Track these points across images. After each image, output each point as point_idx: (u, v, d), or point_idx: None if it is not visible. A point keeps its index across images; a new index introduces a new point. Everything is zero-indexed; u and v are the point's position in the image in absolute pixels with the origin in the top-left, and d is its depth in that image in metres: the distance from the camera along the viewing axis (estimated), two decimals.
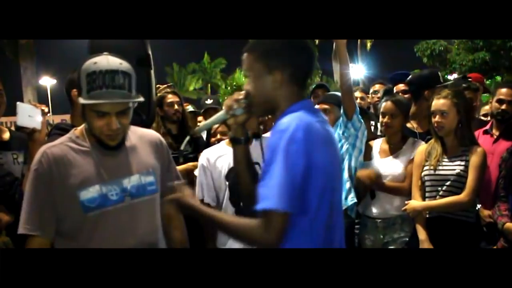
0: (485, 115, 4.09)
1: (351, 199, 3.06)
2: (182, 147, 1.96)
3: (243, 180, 1.84)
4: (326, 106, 3.27)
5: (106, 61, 1.73)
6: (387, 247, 3.01)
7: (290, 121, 1.56)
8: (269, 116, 2.77)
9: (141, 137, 1.95)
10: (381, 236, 3.05)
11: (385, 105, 3.16)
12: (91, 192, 1.77)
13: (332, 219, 1.64)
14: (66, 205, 1.76)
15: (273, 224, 1.50)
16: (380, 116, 3.17)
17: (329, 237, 1.63)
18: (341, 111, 3.09)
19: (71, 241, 1.78)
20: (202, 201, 2.69)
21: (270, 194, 1.50)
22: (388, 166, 3.10)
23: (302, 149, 1.52)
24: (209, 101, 4.91)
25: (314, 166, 1.54)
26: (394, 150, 3.16)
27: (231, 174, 2.68)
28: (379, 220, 3.08)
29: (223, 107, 1.76)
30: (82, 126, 1.87)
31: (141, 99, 1.81)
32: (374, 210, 3.10)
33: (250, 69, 1.68)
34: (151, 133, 2.03)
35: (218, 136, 3.40)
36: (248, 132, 1.83)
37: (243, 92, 1.72)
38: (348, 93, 3.05)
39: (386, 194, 3.09)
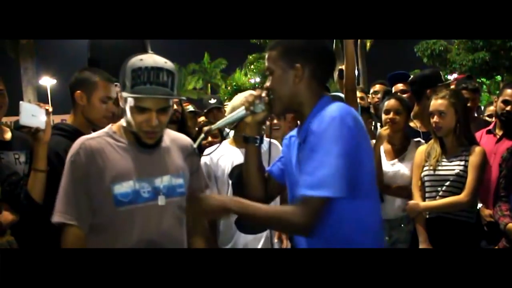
0: (490, 115, 4.09)
1: None
2: (195, 145, 1.94)
3: (252, 181, 1.84)
4: None
5: (152, 59, 1.77)
6: (393, 248, 3.01)
7: (336, 109, 1.56)
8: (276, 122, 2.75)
9: (174, 140, 1.98)
10: (387, 237, 3.05)
11: (388, 102, 3.15)
12: (124, 187, 1.79)
13: (379, 206, 1.73)
14: (99, 197, 1.79)
15: (320, 210, 1.52)
16: (383, 114, 3.15)
17: (377, 224, 1.69)
18: None
19: (100, 235, 1.79)
20: None
21: (326, 182, 1.49)
22: (396, 171, 3.09)
23: (354, 134, 1.53)
24: (212, 101, 4.92)
25: (364, 152, 1.58)
26: (398, 151, 3.15)
27: (234, 172, 2.69)
28: (385, 222, 3.08)
29: (243, 104, 1.74)
30: (119, 122, 1.91)
31: (183, 97, 1.86)
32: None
33: (272, 65, 1.69)
34: (184, 138, 2.06)
35: (210, 139, 3.39)
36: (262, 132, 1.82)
37: (263, 89, 1.72)
38: (352, 92, 3.04)
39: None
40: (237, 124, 1.86)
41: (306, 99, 1.68)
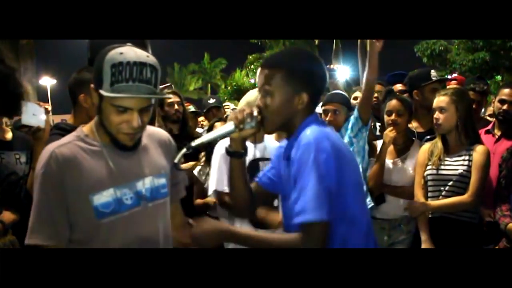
0: (491, 115, 4.08)
1: (368, 202, 3.04)
2: (176, 160, 1.73)
3: (238, 193, 1.83)
4: (334, 107, 3.19)
5: (134, 52, 1.57)
6: (392, 248, 3.01)
7: (311, 133, 1.59)
8: None
9: (150, 135, 1.80)
10: (386, 238, 3.05)
11: (390, 103, 3.15)
12: (105, 196, 1.62)
13: (369, 225, 1.74)
14: (78, 211, 1.60)
15: (316, 235, 1.54)
16: (386, 115, 3.15)
17: (368, 244, 1.70)
18: (355, 115, 3.02)
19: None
20: (220, 192, 2.71)
21: (307, 207, 1.53)
22: (399, 171, 3.09)
23: (331, 157, 1.56)
24: (211, 101, 4.94)
25: (346, 173, 1.59)
26: (400, 151, 3.15)
27: (250, 166, 2.67)
28: (384, 222, 3.08)
29: (233, 120, 1.69)
30: (91, 123, 1.71)
31: (168, 95, 1.73)
32: (379, 212, 3.09)
33: (274, 86, 1.64)
34: (160, 132, 1.90)
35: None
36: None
37: (254, 106, 1.69)
38: (368, 99, 3.01)
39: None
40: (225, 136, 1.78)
41: (301, 119, 1.69)
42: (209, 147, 3.67)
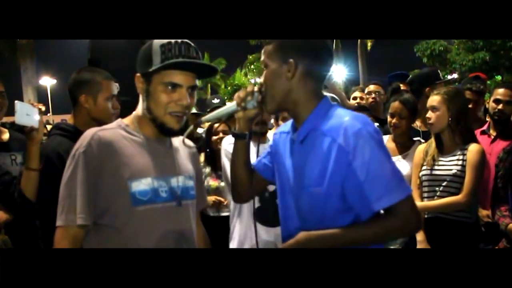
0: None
1: None
2: (184, 135, 1.81)
3: (239, 177, 1.84)
4: None
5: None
6: (389, 247, 3.00)
7: (353, 119, 1.56)
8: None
9: (180, 141, 1.87)
10: None
11: (393, 105, 3.17)
12: (143, 184, 1.64)
13: None
14: (114, 194, 1.61)
15: (406, 212, 1.53)
16: (388, 116, 3.18)
17: None
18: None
19: (112, 235, 1.63)
20: None
21: (386, 190, 1.51)
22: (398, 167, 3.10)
23: (381, 139, 1.58)
24: (215, 101, 4.95)
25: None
26: (401, 149, 3.16)
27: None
28: None
29: (235, 99, 1.71)
30: (132, 116, 1.76)
31: (215, 67, 1.76)
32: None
33: (267, 59, 1.66)
34: (189, 142, 1.95)
35: (221, 135, 3.40)
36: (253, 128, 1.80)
37: (257, 85, 1.70)
38: None
39: None
40: (229, 118, 1.85)
41: (302, 97, 1.64)
42: (208, 148, 3.68)
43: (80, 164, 1.60)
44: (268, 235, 2.77)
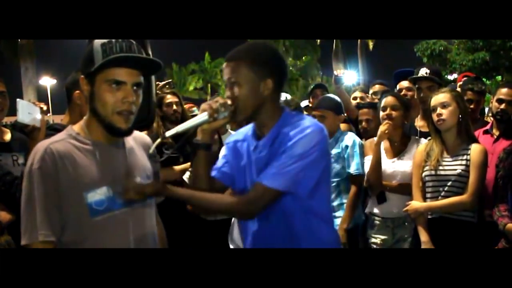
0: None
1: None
2: (151, 150, 1.79)
3: (202, 184, 1.81)
4: (320, 112, 3.30)
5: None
6: (397, 246, 3.01)
7: (310, 123, 1.73)
8: None
9: (135, 138, 1.82)
10: (391, 235, 3.05)
11: (385, 100, 3.16)
12: (98, 194, 1.62)
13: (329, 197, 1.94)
14: (72, 208, 1.59)
15: (263, 199, 1.69)
16: (381, 111, 3.16)
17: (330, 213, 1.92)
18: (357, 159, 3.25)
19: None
20: None
21: (276, 176, 1.67)
22: (398, 169, 3.10)
23: (322, 147, 1.72)
24: None
25: (327, 163, 1.77)
26: (397, 149, 3.15)
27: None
28: (389, 220, 3.08)
29: (206, 110, 1.72)
30: (81, 122, 1.72)
31: (155, 59, 1.72)
32: (384, 210, 3.10)
33: (240, 76, 1.73)
34: (143, 136, 1.92)
35: None
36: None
37: (226, 97, 1.74)
38: None
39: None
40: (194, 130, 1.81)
41: (270, 109, 1.78)
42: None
43: (37, 181, 1.57)
44: None
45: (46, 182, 1.57)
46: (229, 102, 1.73)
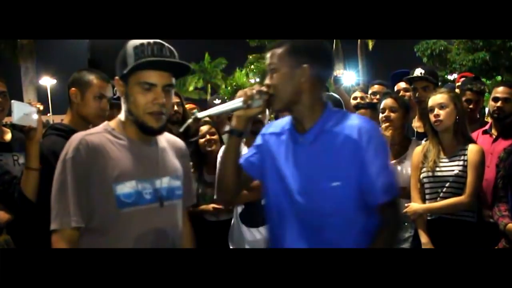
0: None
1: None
2: (181, 129, 1.82)
3: (229, 174, 1.84)
4: None
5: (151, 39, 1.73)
6: (398, 246, 3.01)
7: (365, 120, 1.76)
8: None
9: (168, 141, 1.89)
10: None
11: (384, 102, 3.16)
12: (127, 187, 1.68)
13: None
14: (100, 198, 1.66)
15: (399, 208, 1.82)
16: (380, 114, 3.16)
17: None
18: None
19: (100, 238, 1.68)
20: None
21: (391, 186, 1.72)
22: (399, 172, 3.08)
23: (386, 140, 1.84)
24: (217, 101, 4.95)
25: None
26: (398, 152, 3.14)
27: None
28: None
29: (242, 96, 1.72)
30: (117, 118, 1.80)
31: (188, 64, 1.79)
32: None
33: (277, 63, 1.70)
34: (177, 139, 1.97)
35: (208, 137, 3.38)
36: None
37: (265, 85, 1.72)
38: None
39: None
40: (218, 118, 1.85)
41: (310, 101, 1.74)
42: (195, 151, 3.60)
43: (70, 170, 1.65)
44: (251, 235, 2.94)
45: (79, 172, 1.65)
46: (264, 89, 1.71)
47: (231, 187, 1.87)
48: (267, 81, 1.73)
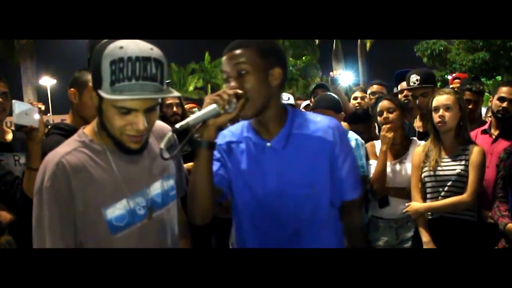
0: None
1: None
2: (162, 146, 1.50)
3: (205, 192, 1.62)
4: (322, 113, 3.23)
5: (136, 45, 1.40)
6: (401, 246, 3.01)
7: (332, 119, 1.76)
8: None
9: (153, 132, 1.61)
10: (395, 236, 3.05)
11: (380, 104, 3.18)
12: (118, 209, 1.48)
13: None
14: (90, 226, 1.47)
15: (360, 207, 1.96)
16: (378, 117, 3.17)
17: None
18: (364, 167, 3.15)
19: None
20: None
21: (358, 184, 1.81)
22: (401, 172, 3.09)
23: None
24: None
25: None
26: (399, 152, 3.15)
27: None
28: (392, 220, 3.08)
29: (217, 101, 1.53)
30: (93, 124, 1.55)
31: (176, 94, 1.48)
32: (387, 211, 3.10)
33: (249, 65, 1.59)
34: (162, 125, 1.70)
35: None
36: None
37: (238, 88, 1.58)
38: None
39: None
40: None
41: (278, 104, 1.71)
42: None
43: (47, 201, 1.42)
44: None
45: (59, 202, 1.43)
46: (240, 91, 1.56)
47: (210, 208, 1.66)
48: (234, 85, 1.59)
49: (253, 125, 1.73)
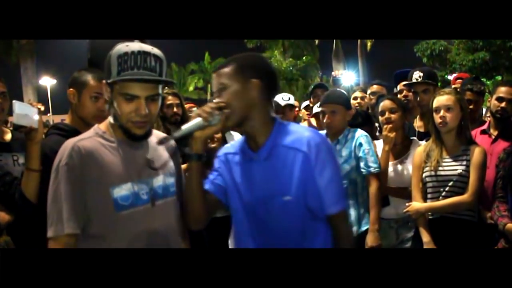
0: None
1: (365, 224, 3.06)
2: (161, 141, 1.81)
3: (197, 200, 1.77)
4: (331, 108, 3.11)
5: (138, 45, 1.71)
6: (401, 246, 3.01)
7: (314, 133, 1.78)
8: None
9: (158, 138, 1.85)
10: (396, 236, 3.05)
11: (382, 104, 3.17)
12: (124, 190, 1.71)
13: None
14: (98, 202, 1.68)
15: (347, 218, 1.91)
16: (380, 116, 3.16)
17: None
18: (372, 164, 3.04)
19: (99, 242, 1.68)
20: None
21: (340, 196, 1.79)
22: (402, 172, 3.09)
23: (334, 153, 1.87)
24: None
25: None
26: (400, 152, 3.14)
27: None
28: (392, 220, 3.08)
29: (200, 114, 1.69)
30: (107, 121, 1.81)
31: (172, 81, 1.79)
32: (387, 211, 3.09)
33: (227, 81, 1.72)
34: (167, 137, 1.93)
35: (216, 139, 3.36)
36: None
37: (220, 102, 1.71)
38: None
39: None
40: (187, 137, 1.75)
41: (260, 114, 1.76)
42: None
43: (64, 177, 1.67)
44: None
45: (73, 178, 1.66)
46: (222, 104, 1.70)
47: (202, 215, 1.82)
48: (218, 99, 1.72)
49: (245, 137, 1.85)
